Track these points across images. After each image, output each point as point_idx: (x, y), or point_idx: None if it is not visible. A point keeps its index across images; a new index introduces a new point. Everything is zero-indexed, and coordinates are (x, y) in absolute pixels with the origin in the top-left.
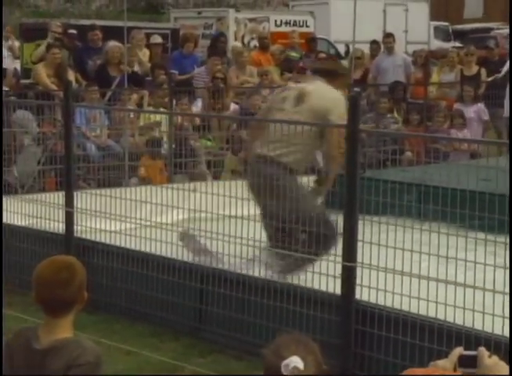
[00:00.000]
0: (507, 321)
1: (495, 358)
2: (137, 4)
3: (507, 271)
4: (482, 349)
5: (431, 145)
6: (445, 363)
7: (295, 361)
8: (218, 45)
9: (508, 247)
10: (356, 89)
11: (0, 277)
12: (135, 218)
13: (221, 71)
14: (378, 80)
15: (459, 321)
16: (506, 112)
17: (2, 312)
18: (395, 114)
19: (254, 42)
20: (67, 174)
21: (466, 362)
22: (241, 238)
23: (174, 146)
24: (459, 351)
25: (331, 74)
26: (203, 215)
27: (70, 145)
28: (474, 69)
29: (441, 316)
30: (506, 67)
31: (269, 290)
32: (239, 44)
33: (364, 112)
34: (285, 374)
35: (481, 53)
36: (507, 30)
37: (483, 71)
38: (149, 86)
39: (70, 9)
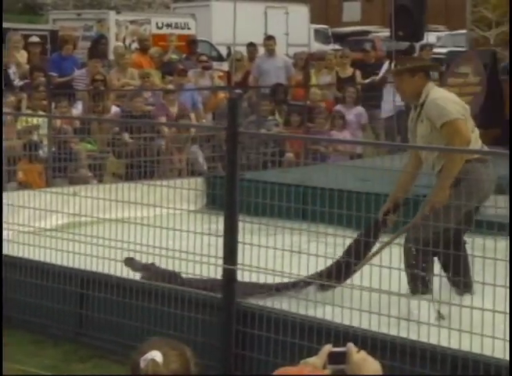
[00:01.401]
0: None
1: (363, 353)
2: (14, 5)
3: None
4: (350, 345)
5: (312, 146)
6: (315, 360)
7: (154, 355)
8: (98, 47)
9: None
10: (238, 91)
11: None
12: (14, 223)
13: (101, 73)
14: (259, 82)
15: (337, 319)
16: (383, 113)
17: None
18: (276, 116)
19: (136, 44)
20: None
21: (335, 358)
22: (122, 242)
23: (53, 149)
24: (328, 348)
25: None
26: (83, 219)
27: None
28: (349, 71)
29: (319, 315)
30: (384, 70)
31: (150, 293)
32: (121, 44)
33: (246, 114)
34: (142, 367)
35: (357, 56)
36: (384, 33)
37: (358, 73)
38: (27, 88)
39: None
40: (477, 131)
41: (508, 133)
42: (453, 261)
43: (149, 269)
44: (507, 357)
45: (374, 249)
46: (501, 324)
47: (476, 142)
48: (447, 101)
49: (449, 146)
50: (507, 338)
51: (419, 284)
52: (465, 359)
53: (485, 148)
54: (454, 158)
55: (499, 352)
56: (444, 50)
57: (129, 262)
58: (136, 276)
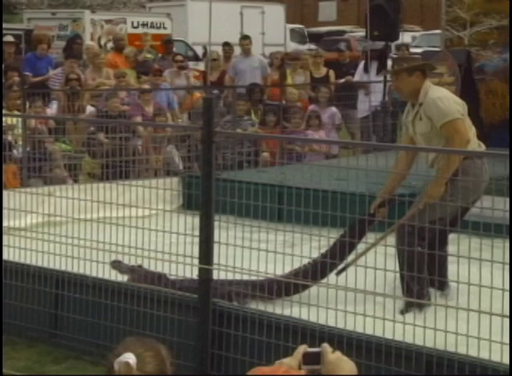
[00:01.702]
0: (352, 316)
1: (338, 353)
2: None
3: (367, 269)
4: (325, 346)
5: (288, 146)
6: (291, 361)
7: (127, 357)
8: (73, 46)
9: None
10: (215, 91)
11: None
12: None
13: (76, 73)
14: (236, 82)
15: (313, 319)
16: (359, 113)
17: None
18: (252, 116)
19: (111, 44)
20: None
21: (310, 359)
22: (97, 242)
23: (28, 149)
24: (303, 348)
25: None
26: (58, 219)
27: None
28: (323, 71)
29: (295, 315)
30: (360, 70)
31: (126, 294)
32: (93, 44)
33: (222, 114)
34: (116, 370)
35: (332, 56)
36: (360, 33)
37: (331, 73)
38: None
39: None
40: (473, 130)
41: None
42: (433, 260)
43: (136, 272)
44: (482, 355)
45: (361, 247)
46: (475, 322)
47: (473, 139)
48: (447, 101)
49: (440, 146)
50: (482, 335)
51: (416, 287)
52: (440, 357)
53: (482, 145)
54: (453, 157)
55: (474, 350)
56: (419, 50)
57: (116, 265)
58: (120, 277)
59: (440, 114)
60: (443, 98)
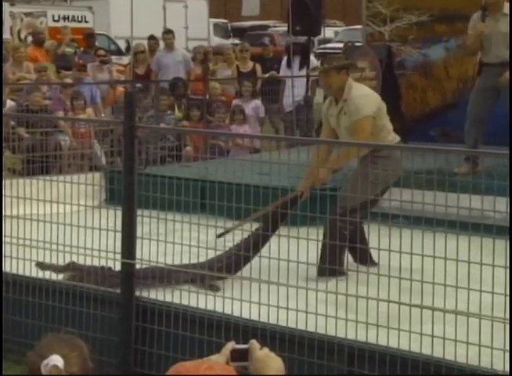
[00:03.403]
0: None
1: (265, 350)
2: None
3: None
4: (253, 342)
5: (212, 141)
6: (218, 358)
7: (54, 359)
8: None
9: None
10: (138, 85)
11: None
12: None
13: None
14: (159, 76)
15: (236, 313)
16: (286, 108)
17: None
18: (176, 111)
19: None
20: None
21: (238, 355)
22: (17, 238)
23: None
24: (231, 345)
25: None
26: None
27: None
28: (249, 65)
29: (219, 309)
30: (283, 65)
31: (47, 290)
32: (10, 37)
33: (146, 108)
34: (44, 373)
35: (256, 50)
36: (283, 28)
37: (258, 67)
38: None
39: None
40: (390, 126)
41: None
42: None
43: (72, 269)
44: (392, 344)
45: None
46: (395, 312)
47: (388, 134)
48: (364, 99)
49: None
50: (392, 325)
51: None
52: (361, 349)
53: (397, 138)
54: (351, 149)
55: (394, 342)
56: (341, 45)
57: (45, 266)
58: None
59: (354, 111)
60: (361, 96)
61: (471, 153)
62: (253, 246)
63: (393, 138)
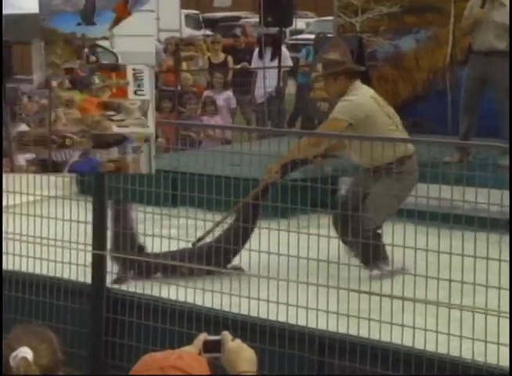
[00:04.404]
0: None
1: (238, 341)
2: None
3: (261, 254)
4: (225, 333)
5: (184, 132)
6: (191, 349)
7: (24, 351)
8: None
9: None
10: None
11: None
12: None
13: None
14: None
15: (207, 304)
16: (258, 99)
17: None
18: None
19: None
20: None
21: (210, 347)
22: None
23: None
24: (203, 336)
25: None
26: None
27: None
28: (221, 56)
29: (190, 300)
30: (255, 56)
31: (17, 282)
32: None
33: None
34: (13, 366)
35: (228, 41)
36: (255, 19)
37: (230, 59)
38: None
39: None
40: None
41: None
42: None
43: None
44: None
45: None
46: (365, 303)
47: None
48: (347, 103)
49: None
50: (352, 312)
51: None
52: (332, 339)
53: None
54: (304, 142)
55: (364, 331)
56: (312, 36)
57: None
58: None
59: (333, 111)
60: (346, 100)
61: (462, 144)
62: (233, 240)
63: (404, 151)
